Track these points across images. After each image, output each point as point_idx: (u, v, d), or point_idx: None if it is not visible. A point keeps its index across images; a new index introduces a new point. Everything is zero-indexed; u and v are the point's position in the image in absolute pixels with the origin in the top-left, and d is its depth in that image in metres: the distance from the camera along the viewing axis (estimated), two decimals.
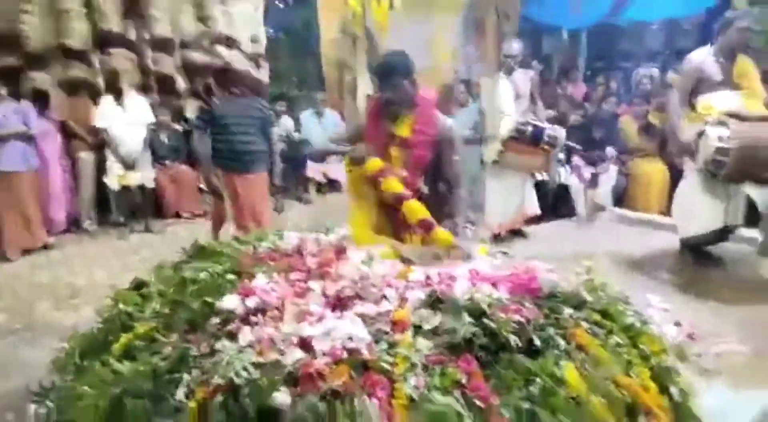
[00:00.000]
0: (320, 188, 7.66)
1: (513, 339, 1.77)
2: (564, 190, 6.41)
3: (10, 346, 3.64)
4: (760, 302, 3.98)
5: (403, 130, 2.81)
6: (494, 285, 2.04)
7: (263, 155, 4.57)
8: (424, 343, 1.75)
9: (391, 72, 2.80)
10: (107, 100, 6.02)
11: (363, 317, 1.84)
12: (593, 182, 6.24)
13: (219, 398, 1.59)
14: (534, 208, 5.72)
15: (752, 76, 4.30)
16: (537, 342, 1.80)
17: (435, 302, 1.96)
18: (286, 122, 7.47)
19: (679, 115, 4.52)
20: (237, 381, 1.59)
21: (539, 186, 5.98)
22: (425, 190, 2.86)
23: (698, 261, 4.71)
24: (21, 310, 4.26)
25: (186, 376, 1.74)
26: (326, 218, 3.33)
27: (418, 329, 1.84)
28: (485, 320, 1.80)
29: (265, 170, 4.62)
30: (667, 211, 5.77)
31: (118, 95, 6.08)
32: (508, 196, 5.59)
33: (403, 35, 8.19)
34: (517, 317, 1.82)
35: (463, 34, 8.75)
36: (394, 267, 2.25)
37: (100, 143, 6.13)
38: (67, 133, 6.09)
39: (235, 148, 4.36)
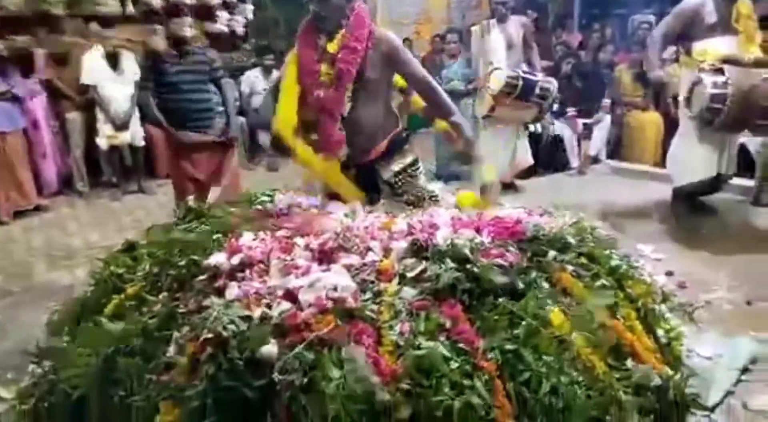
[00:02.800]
0: None
1: (496, 282, 1.78)
2: (557, 141, 6.37)
3: (7, 307, 3.67)
4: (752, 252, 4.02)
5: (333, 46, 2.60)
6: (477, 230, 2.05)
7: (217, 113, 4.24)
8: (408, 291, 1.77)
9: None
10: (94, 56, 5.85)
11: (348, 268, 1.86)
12: (587, 133, 6.19)
13: (209, 352, 1.61)
14: (527, 159, 5.69)
15: (750, 20, 4.21)
16: (520, 285, 1.81)
17: (419, 250, 1.97)
18: (275, 77, 7.30)
19: (656, 50, 4.44)
20: (225, 334, 1.60)
21: (532, 138, 5.93)
22: (346, 110, 2.62)
23: (691, 212, 4.72)
24: (17, 272, 4.28)
25: (176, 333, 1.76)
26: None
27: (402, 278, 1.85)
28: (468, 265, 1.81)
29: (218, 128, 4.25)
30: (661, 163, 5.76)
31: (106, 51, 5.92)
32: (500, 149, 5.54)
33: None
34: (499, 261, 1.83)
35: None
36: (378, 219, 2.26)
37: (89, 102, 6.03)
38: (53, 92, 5.98)
39: (187, 107, 4.04)
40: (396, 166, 2.71)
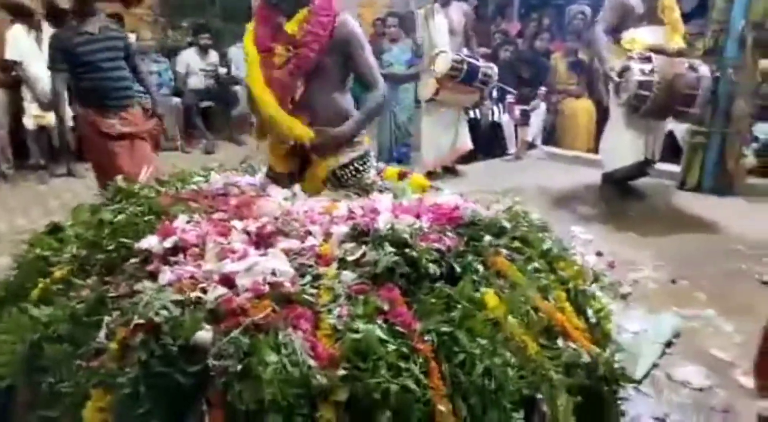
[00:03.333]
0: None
1: (432, 268, 1.81)
2: (496, 128, 6.48)
3: None
4: (676, 233, 4.22)
5: (292, 27, 2.46)
6: (417, 216, 2.07)
7: (136, 91, 4.07)
8: (347, 275, 1.77)
9: None
10: (18, 29, 5.52)
11: (287, 252, 1.84)
12: (524, 120, 6.32)
13: (140, 337, 1.57)
14: (467, 143, 5.78)
15: (673, 11, 4.40)
16: (457, 269, 1.84)
17: (359, 235, 1.97)
18: (212, 57, 7.13)
19: (604, 46, 4.59)
20: (157, 320, 1.56)
21: (472, 124, 6.02)
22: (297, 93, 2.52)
23: (620, 195, 4.91)
24: None
25: (106, 318, 1.70)
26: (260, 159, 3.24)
27: (342, 262, 1.85)
28: (406, 250, 1.83)
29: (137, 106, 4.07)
30: (594, 148, 5.96)
31: (30, 27, 5.60)
32: (442, 132, 5.61)
33: None
34: (436, 245, 1.85)
35: None
36: (318, 203, 2.25)
37: (14, 81, 5.71)
38: None
39: (102, 86, 3.79)
40: (344, 158, 2.58)
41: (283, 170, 2.63)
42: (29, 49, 5.54)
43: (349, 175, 2.59)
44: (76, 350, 1.70)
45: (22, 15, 5.59)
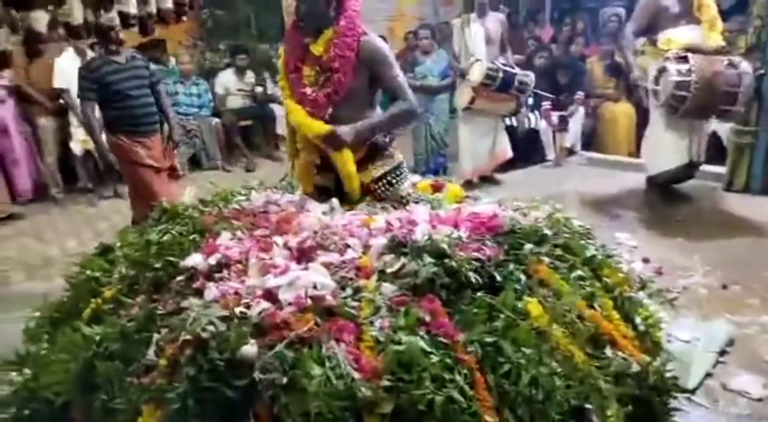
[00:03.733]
0: None
1: (473, 277, 1.80)
2: (534, 134, 6.42)
3: None
4: (725, 237, 4.09)
5: (318, 49, 2.46)
6: (455, 226, 2.06)
7: (158, 116, 4.20)
8: (388, 287, 1.78)
9: None
10: (68, 57, 5.73)
11: (327, 266, 1.86)
12: (562, 126, 6.25)
13: (188, 353, 1.60)
14: (507, 151, 5.74)
15: (710, 9, 4.30)
16: (498, 278, 1.82)
17: (397, 247, 1.97)
18: (249, 77, 7.27)
19: (632, 47, 4.52)
20: (204, 335, 1.60)
21: (510, 131, 5.98)
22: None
23: (665, 199, 4.79)
24: None
25: (155, 335, 1.75)
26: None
27: (382, 274, 1.86)
28: (446, 260, 1.82)
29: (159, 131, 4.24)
30: (635, 152, 5.84)
31: (77, 54, 5.79)
32: (479, 141, 5.59)
33: None
34: (476, 255, 1.84)
35: None
36: (356, 217, 2.26)
37: (62, 107, 5.92)
38: (23, 98, 5.87)
39: (131, 113, 3.97)
40: (377, 172, 2.59)
41: (312, 189, 2.65)
42: (75, 75, 5.72)
43: (383, 187, 2.60)
44: (127, 367, 1.76)
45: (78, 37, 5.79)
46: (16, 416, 2.03)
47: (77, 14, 4.37)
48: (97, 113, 4.02)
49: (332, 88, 2.45)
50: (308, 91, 2.49)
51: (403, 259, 1.88)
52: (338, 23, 2.45)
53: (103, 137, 4.14)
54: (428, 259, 1.83)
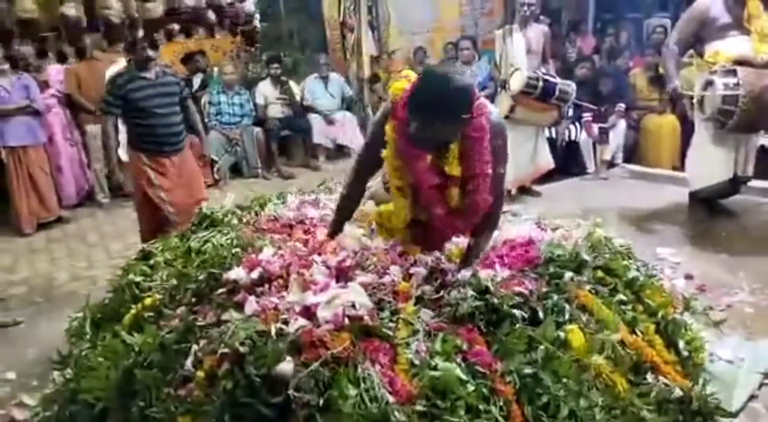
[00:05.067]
0: (328, 155, 7.63)
1: (518, 313, 1.76)
2: (574, 146, 6.32)
3: (31, 317, 3.73)
4: None
5: (453, 168, 2.06)
6: (492, 264, 2.02)
7: (184, 133, 4.09)
8: (426, 312, 1.77)
9: (430, 112, 1.93)
10: (120, 66, 5.90)
11: (365, 287, 1.85)
12: (603, 138, 6.14)
13: (226, 367, 1.62)
14: (548, 162, 5.65)
15: (761, 20, 4.15)
16: (540, 313, 1.78)
17: (437, 279, 1.96)
18: (294, 87, 7.37)
19: (673, 60, 4.40)
20: (242, 350, 1.61)
21: (550, 142, 5.90)
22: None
23: (709, 214, 4.66)
24: (39, 283, 4.34)
25: (194, 346, 1.78)
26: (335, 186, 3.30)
27: (420, 300, 1.85)
28: (488, 295, 1.80)
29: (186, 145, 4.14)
30: (679, 166, 5.69)
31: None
32: (519, 150, 5.49)
33: None
34: (519, 289, 1.81)
35: None
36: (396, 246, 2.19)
37: None
38: (73, 105, 6.04)
39: (157, 132, 3.86)
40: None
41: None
42: None
43: None
44: (166, 377, 1.79)
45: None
46: (58, 415, 2.09)
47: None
48: (121, 127, 3.97)
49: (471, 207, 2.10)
50: (440, 212, 2.13)
51: (442, 291, 1.86)
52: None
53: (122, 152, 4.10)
54: (470, 293, 1.81)
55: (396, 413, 1.47)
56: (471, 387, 1.55)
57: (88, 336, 2.29)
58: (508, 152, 2.19)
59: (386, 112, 2.15)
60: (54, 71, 6.07)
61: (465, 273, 1.96)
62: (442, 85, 1.91)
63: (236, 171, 7.06)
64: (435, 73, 2.03)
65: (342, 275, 1.95)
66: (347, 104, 7.75)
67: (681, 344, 2.14)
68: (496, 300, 1.79)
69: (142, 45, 3.90)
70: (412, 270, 2.00)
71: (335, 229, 2.31)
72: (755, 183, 4.76)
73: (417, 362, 1.60)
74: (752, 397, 2.52)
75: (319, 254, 2.09)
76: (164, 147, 3.92)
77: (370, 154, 2.21)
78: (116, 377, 1.90)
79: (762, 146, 4.84)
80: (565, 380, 1.61)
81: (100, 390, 1.93)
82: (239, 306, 1.85)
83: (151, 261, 2.47)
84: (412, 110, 1.95)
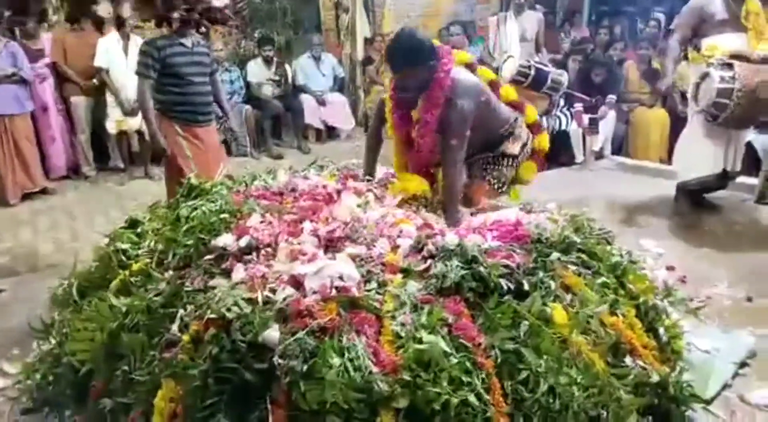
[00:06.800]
0: (319, 136, 7.61)
1: (503, 283, 1.79)
2: (564, 136, 6.35)
3: (13, 286, 3.70)
4: (753, 249, 4.01)
5: (417, 114, 2.63)
6: (482, 235, 2.05)
7: (212, 104, 4.01)
8: (413, 285, 1.78)
9: (398, 61, 2.54)
10: (110, 39, 5.80)
11: (354, 258, 1.87)
12: (592, 128, 6.17)
13: (212, 332, 1.63)
14: None
15: (759, 17, 4.19)
16: (526, 286, 1.81)
17: (424, 250, 1.97)
18: (277, 67, 7.31)
19: (675, 57, 4.43)
20: (229, 316, 1.62)
21: None
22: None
23: (694, 208, 4.71)
24: (23, 253, 4.32)
25: (180, 311, 1.78)
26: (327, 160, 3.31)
27: (408, 272, 1.86)
28: (475, 265, 1.81)
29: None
30: (667, 159, 5.74)
31: (121, 36, 5.86)
32: None
33: None
34: (506, 261, 1.83)
35: None
36: (389, 215, 2.26)
37: (95, 88, 6.02)
38: (58, 75, 5.95)
39: (191, 100, 3.75)
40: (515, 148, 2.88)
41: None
42: (117, 58, 5.83)
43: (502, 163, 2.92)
44: (151, 340, 1.80)
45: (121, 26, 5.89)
46: (41, 382, 2.08)
47: None
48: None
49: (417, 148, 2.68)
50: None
51: (430, 261, 1.88)
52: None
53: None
54: (457, 263, 1.83)
55: (379, 383, 1.49)
56: (454, 360, 1.57)
57: (73, 303, 2.27)
58: (462, 127, 2.55)
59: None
60: (49, 40, 5.97)
61: (451, 239, 2.00)
62: (404, 37, 2.56)
63: (227, 147, 7.01)
64: (402, 30, 2.64)
65: (331, 246, 1.97)
66: (339, 85, 7.72)
67: (660, 330, 2.18)
68: (483, 269, 1.81)
69: (182, 11, 3.69)
70: (399, 241, 2.02)
71: (368, 170, 2.91)
72: (740, 179, 4.81)
73: (402, 334, 1.62)
74: (726, 386, 2.57)
75: (311, 221, 2.11)
76: (199, 117, 3.81)
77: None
78: (102, 339, 1.90)
79: (749, 142, 4.90)
80: (546, 356, 1.64)
81: (84, 353, 1.92)
82: (227, 273, 1.85)
83: (139, 230, 2.45)
84: (387, 61, 2.61)
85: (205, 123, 3.85)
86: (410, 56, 2.47)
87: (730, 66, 4.02)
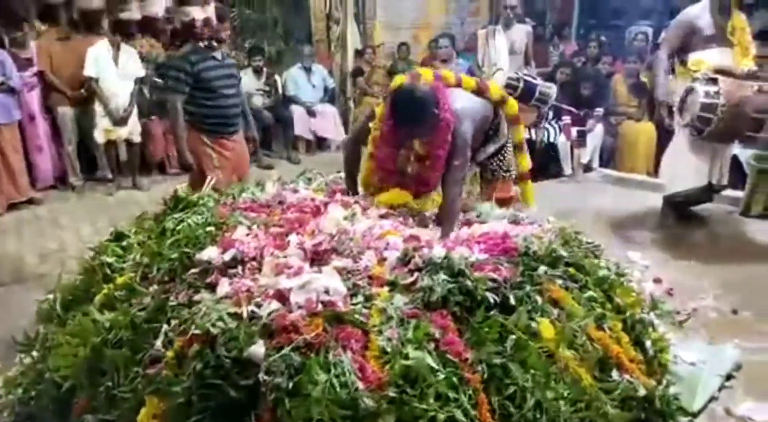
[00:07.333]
0: (309, 147, 7.60)
1: (490, 296, 1.79)
2: (552, 148, 6.39)
3: None
4: (739, 262, 4.04)
5: (420, 149, 2.70)
6: (470, 247, 2.06)
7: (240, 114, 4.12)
8: (400, 298, 1.77)
9: (404, 122, 2.60)
10: (100, 48, 5.79)
11: (340, 271, 1.86)
12: (580, 141, 6.21)
13: (196, 348, 1.61)
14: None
15: (744, 33, 4.25)
16: (512, 300, 1.81)
17: (411, 262, 1.97)
18: (267, 77, 7.32)
19: (665, 70, 4.48)
20: (213, 331, 1.61)
21: (528, 144, 5.94)
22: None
23: (680, 220, 4.75)
24: (8, 264, 4.26)
25: (165, 326, 1.76)
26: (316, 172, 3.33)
27: (394, 286, 1.86)
28: (461, 278, 1.81)
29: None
30: (654, 172, 5.78)
31: (111, 45, 5.83)
32: None
33: None
34: (492, 275, 1.83)
35: None
36: (376, 227, 2.26)
37: (83, 98, 5.97)
38: (45, 84, 5.87)
39: (223, 113, 3.85)
40: (491, 148, 3.08)
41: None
42: (107, 66, 5.80)
43: (494, 161, 3.20)
44: (135, 356, 1.77)
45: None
46: (23, 397, 2.05)
47: None
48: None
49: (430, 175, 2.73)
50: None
51: (417, 274, 1.87)
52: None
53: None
54: (443, 276, 1.82)
55: (365, 399, 1.48)
56: (441, 376, 1.56)
57: (57, 317, 2.25)
58: (465, 149, 2.70)
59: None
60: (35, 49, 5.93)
61: (438, 252, 2.00)
62: (405, 98, 2.60)
63: None
64: (402, 91, 2.66)
65: (317, 259, 1.96)
66: (329, 96, 7.72)
67: (647, 343, 2.18)
68: (469, 283, 1.81)
69: (214, 24, 3.85)
70: (385, 254, 2.01)
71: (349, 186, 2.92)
72: (726, 192, 4.86)
73: (389, 349, 1.61)
74: (712, 399, 2.58)
75: (297, 233, 2.10)
76: (228, 128, 3.90)
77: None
78: (85, 355, 1.88)
79: (734, 156, 4.95)
80: (533, 371, 1.64)
81: (67, 368, 1.90)
82: (212, 287, 1.84)
83: (124, 243, 2.43)
84: (392, 117, 2.62)
85: (233, 133, 3.95)
86: (415, 117, 2.56)
87: (715, 81, 4.07)
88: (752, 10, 4.38)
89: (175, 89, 3.71)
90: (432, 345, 1.64)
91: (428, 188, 2.77)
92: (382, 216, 2.42)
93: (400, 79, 2.83)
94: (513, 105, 3.24)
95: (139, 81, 6.10)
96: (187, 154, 3.78)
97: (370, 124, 2.84)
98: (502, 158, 3.20)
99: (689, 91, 4.20)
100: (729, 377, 2.73)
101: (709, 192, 4.59)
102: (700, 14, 4.29)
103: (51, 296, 2.40)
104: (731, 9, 4.23)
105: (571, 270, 2.07)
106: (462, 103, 2.77)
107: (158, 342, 1.73)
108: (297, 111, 7.34)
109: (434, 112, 2.56)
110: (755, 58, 4.34)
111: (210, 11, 4.60)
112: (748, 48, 4.26)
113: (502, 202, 3.08)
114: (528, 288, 1.91)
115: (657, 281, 3.56)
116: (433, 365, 1.58)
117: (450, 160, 2.66)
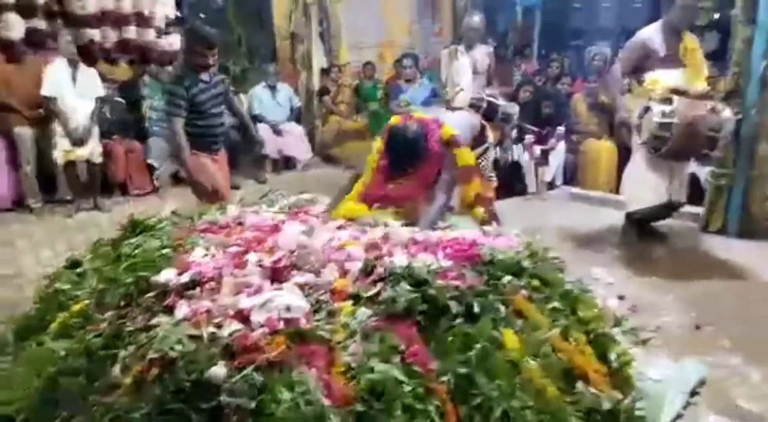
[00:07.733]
0: (275, 166, 7.55)
1: (453, 305, 1.79)
2: (516, 167, 6.48)
3: None
4: (700, 277, 4.12)
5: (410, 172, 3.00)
6: (433, 252, 2.06)
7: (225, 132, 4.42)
8: (363, 312, 1.76)
9: (403, 164, 2.97)
10: (57, 66, 5.68)
11: (302, 287, 1.84)
12: (543, 159, 6.32)
13: (155, 372, 1.57)
14: (492, 180, 5.76)
15: (696, 54, 4.40)
16: (476, 308, 1.82)
17: (374, 272, 1.96)
18: (241, 97, 7.28)
19: (621, 89, 4.60)
20: (172, 354, 1.57)
21: (493, 163, 6.02)
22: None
23: (642, 237, 4.83)
24: None
25: (122, 352, 1.71)
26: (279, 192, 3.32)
27: (357, 298, 1.84)
28: (424, 287, 1.81)
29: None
30: (615, 189, 5.90)
31: (69, 64, 5.73)
32: None
33: (358, 7, 8.09)
34: (456, 283, 1.84)
35: (418, 7, 8.71)
36: (335, 239, 2.25)
37: (41, 118, 5.85)
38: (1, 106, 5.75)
39: (212, 132, 4.09)
40: (477, 150, 3.53)
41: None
42: (66, 86, 5.69)
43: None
44: (92, 384, 1.71)
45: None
46: None
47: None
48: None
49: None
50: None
51: (380, 285, 1.86)
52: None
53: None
54: (406, 287, 1.82)
55: (332, 415, 1.46)
56: (407, 388, 1.55)
57: (11, 348, 2.17)
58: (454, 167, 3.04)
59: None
60: None
61: (400, 260, 2.00)
62: (399, 141, 3.01)
63: (177, 179, 6.88)
64: (395, 133, 3.05)
65: (277, 275, 1.93)
66: (295, 115, 7.71)
67: (611, 357, 2.19)
68: (432, 292, 1.81)
69: (202, 49, 3.94)
70: (347, 266, 2.00)
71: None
72: (686, 208, 4.97)
73: (354, 364, 1.59)
74: (678, 416, 2.60)
75: (255, 251, 2.07)
76: (214, 146, 4.14)
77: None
78: (39, 386, 1.81)
79: (692, 173, 5.09)
80: (498, 381, 1.63)
81: (21, 401, 1.82)
82: (169, 311, 1.80)
83: (80, 269, 2.38)
84: (389, 153, 3.04)
85: (218, 150, 4.22)
86: (411, 157, 2.97)
87: (670, 100, 4.19)
88: (703, 31, 4.53)
89: (174, 114, 3.91)
90: (397, 358, 1.64)
91: (413, 198, 2.97)
92: (339, 228, 2.44)
93: (395, 120, 3.20)
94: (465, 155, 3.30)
95: (100, 100, 6.00)
96: (194, 172, 4.01)
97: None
98: (485, 159, 3.83)
99: (646, 109, 4.31)
100: (694, 393, 2.76)
101: (668, 208, 4.69)
102: (653, 36, 4.42)
103: (4, 326, 2.32)
104: (681, 30, 4.38)
105: (535, 281, 2.08)
106: (456, 123, 3.30)
107: (115, 369, 1.67)
108: (263, 130, 7.29)
109: (423, 147, 2.97)
110: (707, 78, 4.50)
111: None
112: (701, 68, 4.41)
113: (481, 201, 3.27)
114: (491, 297, 1.92)
115: (621, 298, 3.59)
116: (400, 377, 1.57)
117: (443, 173, 3.01)
